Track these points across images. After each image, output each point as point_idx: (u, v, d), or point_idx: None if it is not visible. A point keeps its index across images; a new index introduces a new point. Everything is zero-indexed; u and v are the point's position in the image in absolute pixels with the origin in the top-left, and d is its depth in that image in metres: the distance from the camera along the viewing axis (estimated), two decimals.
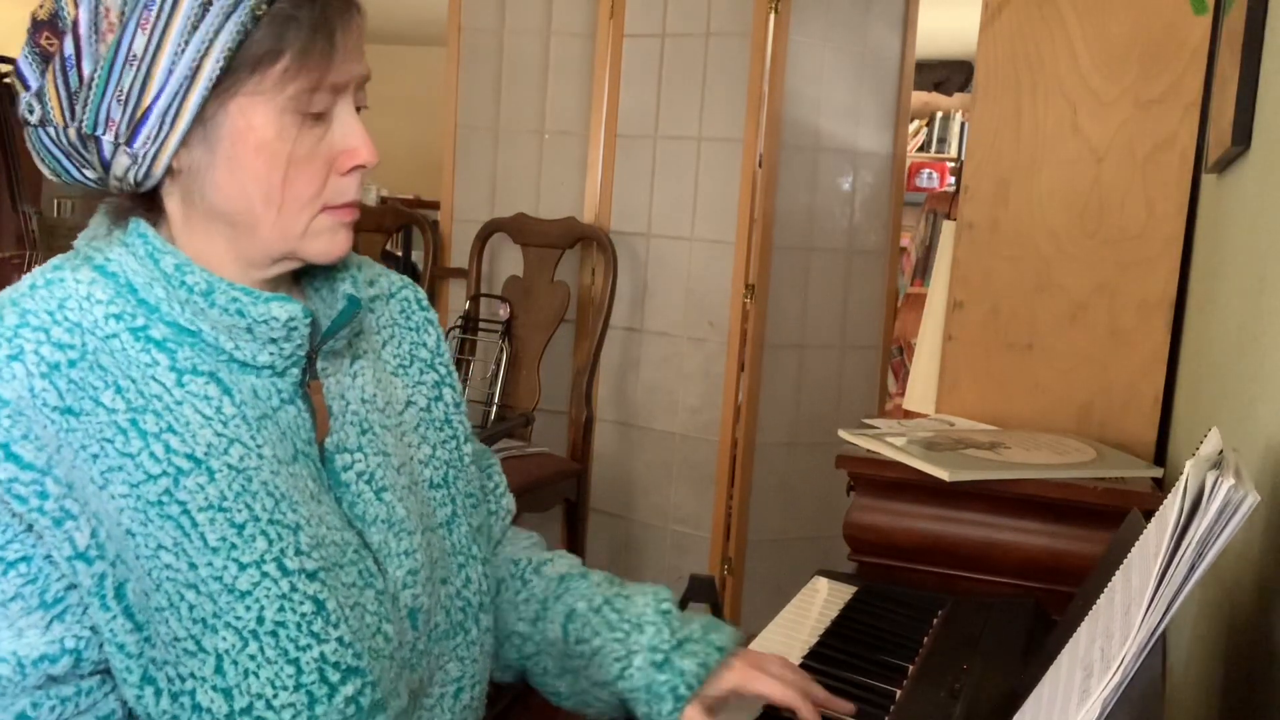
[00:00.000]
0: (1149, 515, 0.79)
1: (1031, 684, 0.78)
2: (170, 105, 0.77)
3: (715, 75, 2.90)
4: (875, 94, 3.00)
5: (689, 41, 2.93)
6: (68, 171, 0.84)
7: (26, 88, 0.81)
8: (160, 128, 0.78)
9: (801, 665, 1.04)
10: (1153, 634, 0.62)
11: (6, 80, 3.51)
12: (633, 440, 3.07)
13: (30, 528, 0.74)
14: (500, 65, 3.15)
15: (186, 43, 0.76)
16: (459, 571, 0.96)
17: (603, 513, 3.10)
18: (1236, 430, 1.03)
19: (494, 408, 2.94)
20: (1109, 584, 0.76)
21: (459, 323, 3.06)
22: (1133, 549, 0.76)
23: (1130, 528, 0.92)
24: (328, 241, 0.85)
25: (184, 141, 0.79)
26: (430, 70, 4.20)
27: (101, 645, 0.76)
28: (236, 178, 0.80)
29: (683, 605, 2.41)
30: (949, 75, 5.65)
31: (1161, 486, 1.36)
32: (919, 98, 5.38)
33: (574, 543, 2.97)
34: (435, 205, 3.39)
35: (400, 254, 5.18)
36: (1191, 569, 0.62)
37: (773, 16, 2.79)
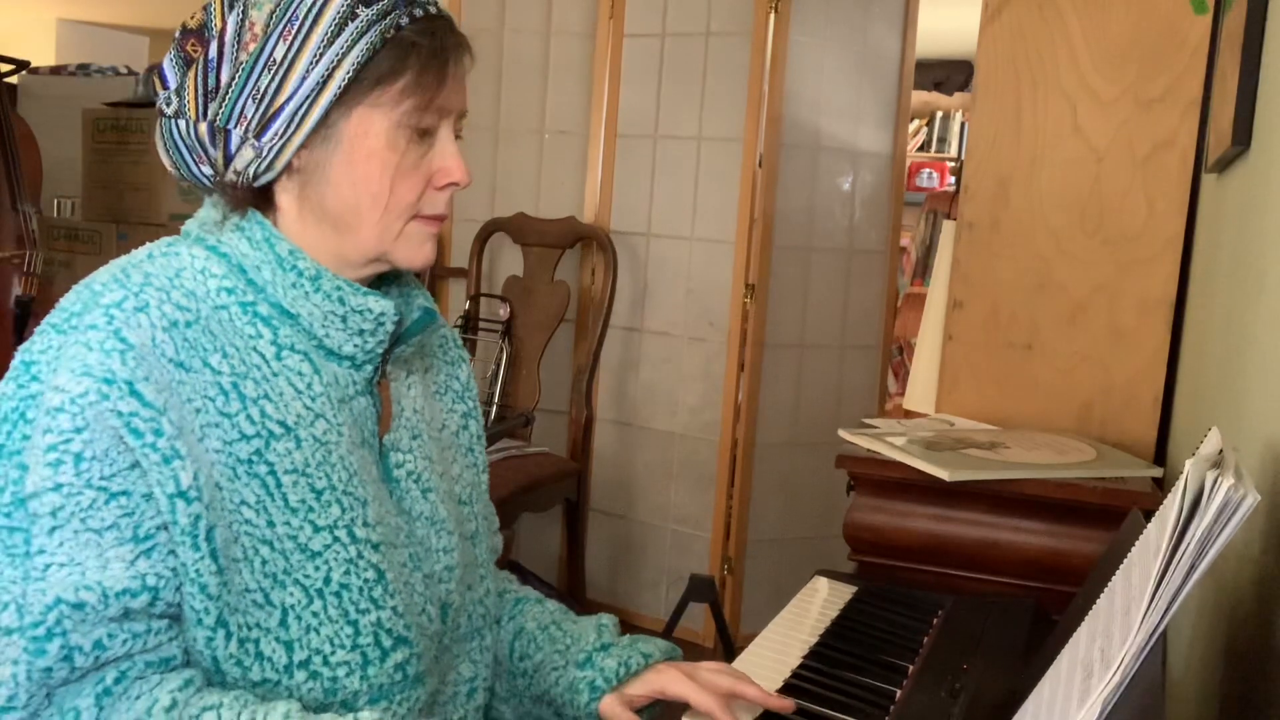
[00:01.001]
0: (1149, 515, 0.79)
1: (1031, 684, 0.78)
2: (300, 107, 0.86)
3: (715, 75, 2.90)
4: (875, 93, 3.00)
5: (689, 41, 2.93)
6: (187, 165, 0.91)
7: (165, 86, 0.89)
8: (289, 126, 0.86)
9: (801, 665, 1.04)
10: (1153, 634, 0.62)
11: (7, 79, 3.51)
12: (633, 440, 3.07)
13: (136, 464, 0.79)
14: (500, 65, 3.15)
15: (321, 55, 0.86)
16: (481, 582, 1.03)
17: (603, 512, 3.10)
18: (1236, 430, 1.03)
19: (494, 407, 2.94)
20: (1109, 584, 0.76)
21: (459, 323, 3.06)
22: (1133, 549, 0.76)
23: (1130, 528, 0.92)
24: (416, 248, 0.93)
25: (305, 142, 0.87)
26: None
27: (178, 587, 0.81)
28: (350, 178, 0.89)
29: (682, 605, 2.42)
30: (949, 75, 5.65)
31: (1161, 486, 1.36)
32: (919, 97, 5.37)
33: (574, 542, 2.97)
34: None
35: None
36: (1191, 569, 0.62)
37: (773, 16, 2.79)
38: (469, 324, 3.05)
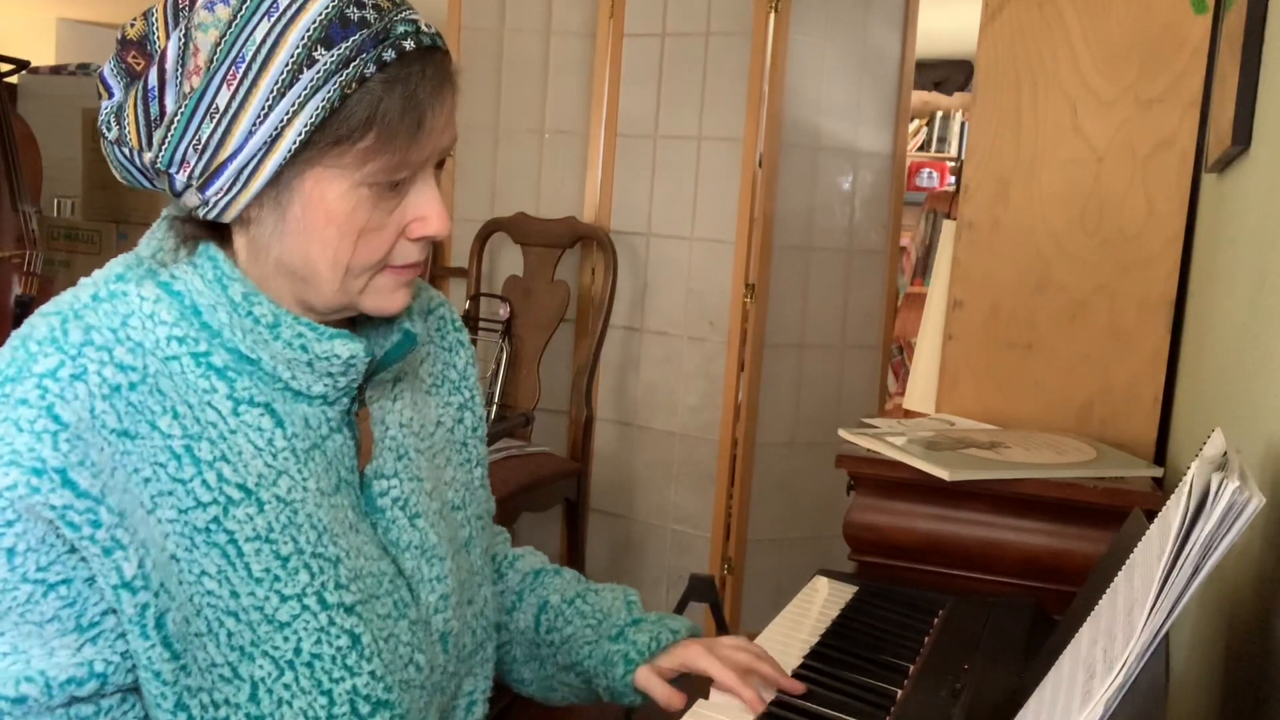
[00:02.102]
0: (1150, 515, 0.79)
1: (1032, 684, 0.78)
2: (246, 166, 0.76)
3: (715, 74, 2.90)
4: (875, 93, 3.00)
5: (689, 41, 2.93)
6: (140, 184, 0.84)
7: (110, 95, 0.81)
8: (234, 184, 0.77)
9: (802, 665, 1.04)
10: (1156, 636, 0.62)
11: (7, 80, 3.51)
12: (633, 440, 3.07)
13: (73, 549, 0.74)
14: (500, 64, 3.15)
15: (270, 109, 0.75)
16: (479, 591, 1.00)
17: (603, 512, 3.10)
18: (1237, 430, 1.03)
19: (494, 407, 2.94)
20: (1111, 585, 0.76)
21: None
22: (1135, 550, 0.76)
23: (1132, 528, 0.92)
24: (386, 298, 0.85)
25: (257, 198, 0.79)
26: None
27: (130, 669, 0.77)
28: (303, 241, 0.80)
29: (682, 605, 2.42)
30: (949, 74, 5.64)
31: (1161, 486, 1.36)
32: (919, 97, 5.37)
33: (574, 542, 2.97)
34: None
35: None
36: (1195, 571, 0.62)
37: (773, 16, 2.79)
38: (469, 324, 3.05)
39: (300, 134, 0.75)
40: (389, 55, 0.76)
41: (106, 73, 0.81)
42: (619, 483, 3.10)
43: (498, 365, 2.97)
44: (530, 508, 2.70)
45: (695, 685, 1.02)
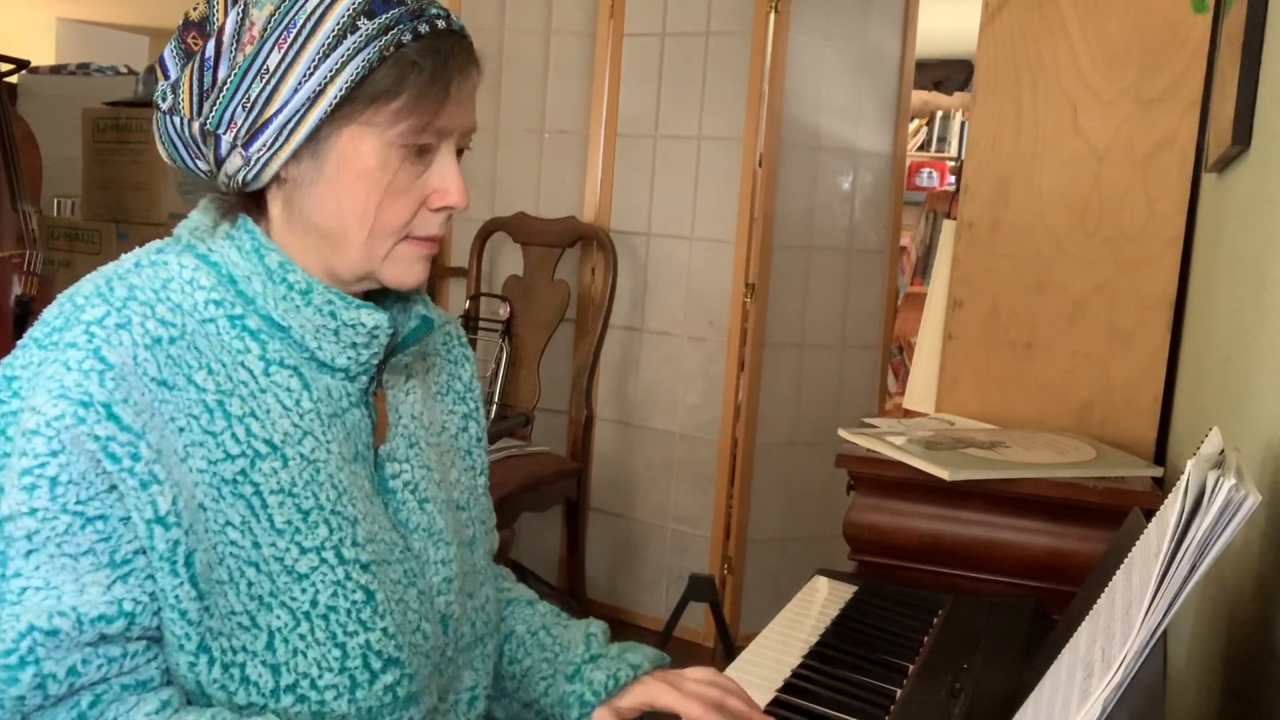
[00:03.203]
0: (1149, 515, 0.79)
1: (1032, 683, 0.78)
2: (289, 121, 0.83)
3: (715, 74, 2.90)
4: (875, 93, 3.00)
5: (689, 40, 2.93)
6: (183, 160, 0.89)
7: (166, 77, 0.87)
8: (276, 139, 0.84)
9: (801, 665, 1.04)
10: (1153, 634, 0.62)
11: (7, 79, 3.51)
12: (633, 439, 3.07)
13: (113, 488, 0.78)
14: (500, 64, 3.15)
15: (315, 68, 0.82)
16: (480, 589, 1.01)
17: (603, 512, 3.10)
18: (1236, 429, 1.03)
19: (494, 407, 2.94)
20: (1109, 583, 0.76)
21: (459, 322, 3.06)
22: (1133, 548, 0.76)
23: (1131, 527, 0.92)
24: (405, 269, 0.90)
25: (295, 155, 0.85)
26: None
27: (155, 612, 0.80)
28: (336, 197, 0.86)
29: (682, 605, 2.41)
30: (949, 74, 5.64)
31: (1162, 486, 1.36)
32: (919, 97, 5.37)
33: (574, 542, 2.97)
34: None
35: None
36: (1192, 569, 0.62)
37: (773, 15, 2.79)
38: (469, 323, 3.05)
39: (341, 90, 0.82)
40: (424, 29, 0.84)
41: (166, 55, 0.87)
42: (619, 482, 3.10)
43: (498, 365, 2.97)
44: (530, 507, 2.70)
45: None
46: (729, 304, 2.90)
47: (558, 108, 3.12)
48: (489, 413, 2.93)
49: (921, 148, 5.68)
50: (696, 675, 0.97)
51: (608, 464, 3.10)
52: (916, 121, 5.63)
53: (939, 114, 5.66)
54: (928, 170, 5.54)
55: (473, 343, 3.05)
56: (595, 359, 2.93)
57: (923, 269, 3.28)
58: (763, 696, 0.98)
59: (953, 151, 5.58)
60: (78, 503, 0.77)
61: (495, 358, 2.99)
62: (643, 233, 3.03)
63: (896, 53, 3.01)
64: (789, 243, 2.93)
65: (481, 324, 3.05)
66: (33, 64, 3.94)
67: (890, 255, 3.09)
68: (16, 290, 3.20)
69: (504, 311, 3.00)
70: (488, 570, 1.03)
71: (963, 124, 5.53)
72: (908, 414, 1.80)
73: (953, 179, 5.21)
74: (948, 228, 1.74)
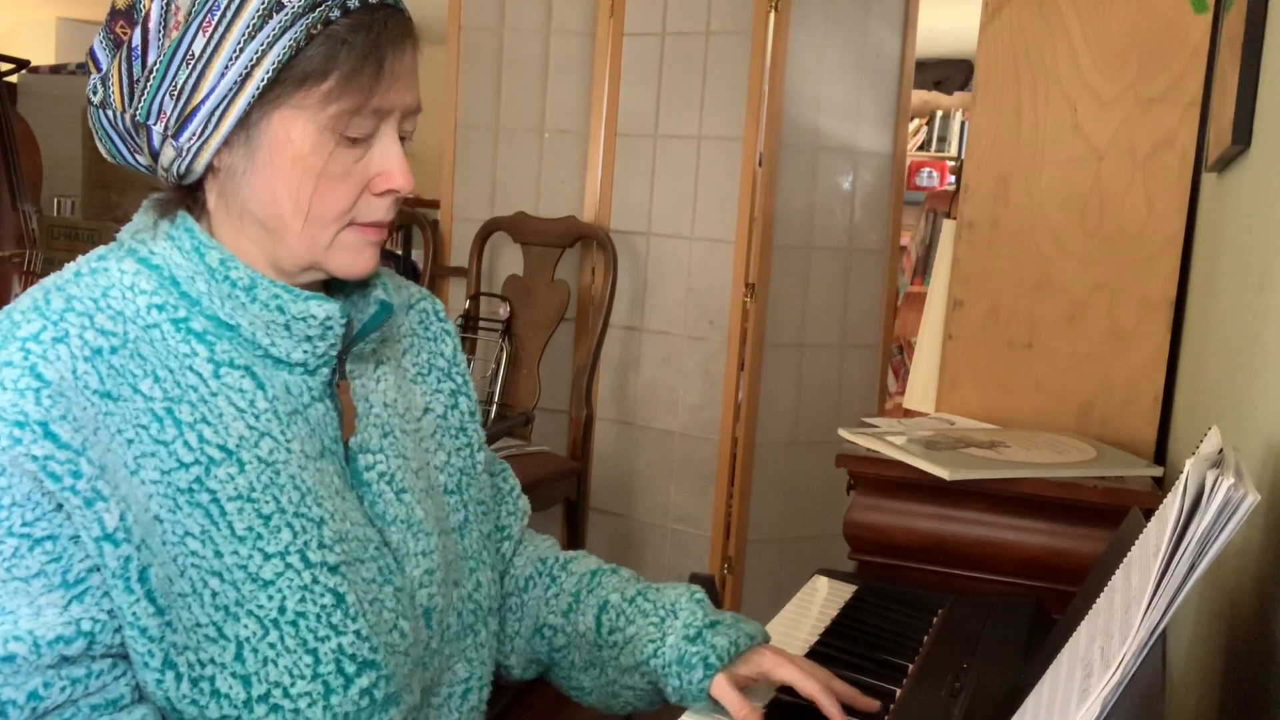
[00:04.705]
0: (1149, 514, 0.79)
1: (1031, 683, 0.78)
2: (217, 107, 0.80)
3: (715, 74, 2.90)
4: (875, 92, 3.00)
5: (689, 40, 2.93)
6: (121, 155, 0.87)
7: (98, 69, 0.85)
8: (205, 127, 0.81)
9: None
10: (1153, 633, 0.62)
11: (7, 79, 3.51)
12: (633, 439, 3.07)
13: (59, 507, 0.76)
14: (500, 64, 3.15)
15: (241, 50, 0.79)
16: (470, 575, 0.98)
17: (603, 511, 3.10)
18: (1236, 429, 1.03)
19: (494, 407, 2.94)
20: (1109, 583, 0.76)
21: (459, 322, 3.06)
22: (1133, 548, 0.76)
23: (1130, 527, 0.92)
24: (352, 257, 0.87)
25: (226, 142, 0.82)
26: (430, 69, 4.18)
27: (117, 629, 0.78)
28: (269, 184, 0.83)
29: None
30: (949, 74, 5.64)
31: (1161, 485, 1.36)
32: (919, 96, 5.37)
33: (574, 541, 2.97)
34: (435, 204, 3.39)
35: (400, 253, 5.17)
36: (1191, 568, 0.62)
37: (773, 15, 2.79)
38: (469, 323, 3.05)
39: (268, 72, 0.79)
40: (353, 4, 0.81)
41: (96, 46, 0.85)
42: (619, 482, 3.10)
43: (498, 365, 2.97)
44: (530, 507, 2.69)
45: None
46: (729, 303, 2.90)
47: (558, 107, 3.12)
48: (489, 412, 2.93)
49: (921, 147, 5.68)
50: (802, 658, 0.97)
51: (608, 464, 3.10)
52: (916, 121, 5.63)
53: (939, 114, 5.66)
54: (928, 170, 5.54)
55: (473, 343, 3.05)
56: (595, 359, 2.93)
57: (923, 269, 3.28)
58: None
59: (953, 151, 5.58)
60: (24, 524, 0.75)
61: (495, 357, 2.99)
62: (643, 232, 3.03)
63: (896, 52, 3.01)
64: (789, 242, 2.93)
65: (481, 324, 3.05)
66: (33, 64, 3.94)
67: (890, 255, 3.09)
68: (16, 290, 3.20)
69: (504, 311, 3.00)
70: (481, 554, 1.00)
71: (963, 124, 5.53)
72: (908, 414, 1.81)
73: (953, 179, 5.21)
74: (948, 227, 1.74)
